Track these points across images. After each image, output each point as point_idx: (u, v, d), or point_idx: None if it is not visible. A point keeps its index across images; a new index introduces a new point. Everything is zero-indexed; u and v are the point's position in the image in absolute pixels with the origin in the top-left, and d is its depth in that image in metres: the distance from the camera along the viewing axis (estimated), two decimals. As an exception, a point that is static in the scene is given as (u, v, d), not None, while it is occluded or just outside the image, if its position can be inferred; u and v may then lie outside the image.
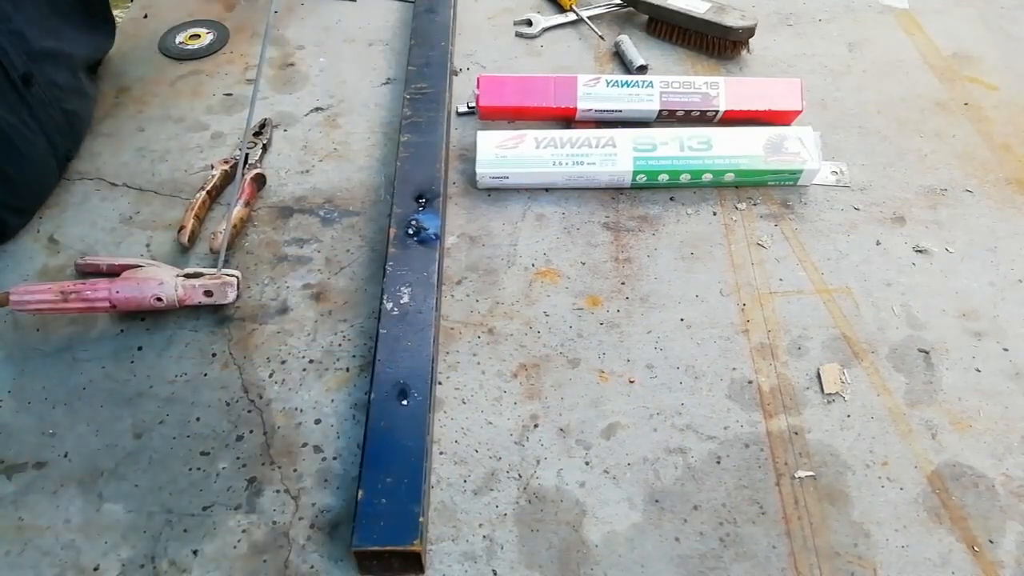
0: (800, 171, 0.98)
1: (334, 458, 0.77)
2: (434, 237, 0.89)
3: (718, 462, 0.76)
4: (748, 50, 1.18)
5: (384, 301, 0.83)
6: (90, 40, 1.09)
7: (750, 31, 1.15)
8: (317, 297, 0.89)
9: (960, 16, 1.27)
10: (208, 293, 0.85)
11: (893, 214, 0.98)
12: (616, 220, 0.97)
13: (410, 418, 0.74)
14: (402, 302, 0.83)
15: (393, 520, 0.67)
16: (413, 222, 0.90)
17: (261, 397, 0.81)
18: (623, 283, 0.91)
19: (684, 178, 0.98)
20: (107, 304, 0.82)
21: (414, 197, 0.93)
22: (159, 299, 0.83)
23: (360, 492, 0.69)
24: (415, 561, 0.67)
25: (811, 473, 0.75)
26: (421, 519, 0.67)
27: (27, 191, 0.95)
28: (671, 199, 0.99)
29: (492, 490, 0.74)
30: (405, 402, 0.75)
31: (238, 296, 0.87)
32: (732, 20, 1.14)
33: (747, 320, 0.87)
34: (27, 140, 0.91)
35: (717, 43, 1.17)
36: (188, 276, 0.85)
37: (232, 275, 0.86)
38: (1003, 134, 1.08)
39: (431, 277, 0.85)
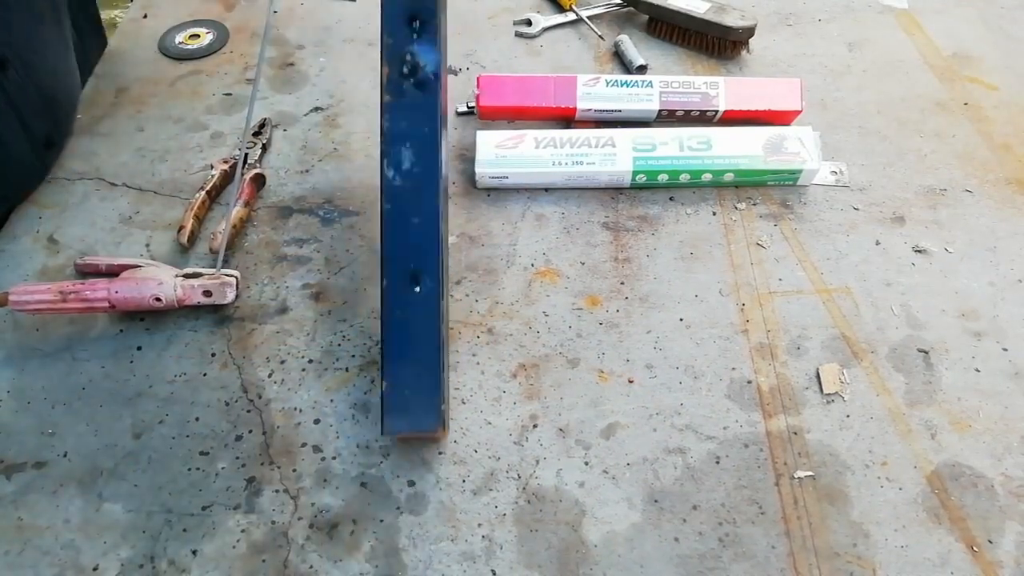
0: (800, 171, 0.98)
1: (333, 458, 0.77)
2: (433, 77, 0.74)
3: (717, 462, 0.76)
4: (748, 50, 1.18)
5: (385, 168, 0.74)
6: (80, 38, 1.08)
7: (750, 31, 1.15)
8: (317, 297, 0.89)
9: (960, 16, 1.27)
10: (207, 293, 0.85)
11: (893, 214, 0.98)
12: (616, 220, 0.97)
13: (424, 305, 0.72)
14: (404, 168, 0.73)
15: (417, 408, 0.72)
16: (408, 57, 0.74)
17: (260, 397, 0.81)
18: (622, 283, 0.91)
19: (684, 178, 0.98)
20: (106, 304, 0.82)
21: (406, 20, 0.75)
22: (158, 299, 0.83)
23: (384, 384, 0.72)
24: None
25: (810, 473, 0.75)
26: (443, 407, 0.72)
27: (2, 176, 0.95)
28: (671, 199, 0.99)
29: (491, 490, 0.74)
30: (418, 289, 0.72)
31: (237, 296, 0.87)
32: (732, 20, 1.14)
33: (746, 320, 0.87)
34: None
35: (717, 43, 1.17)
36: (187, 276, 0.85)
37: (231, 275, 0.86)
38: (1003, 134, 1.08)
39: (434, 133, 0.74)
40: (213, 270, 0.86)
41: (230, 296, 0.85)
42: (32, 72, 0.95)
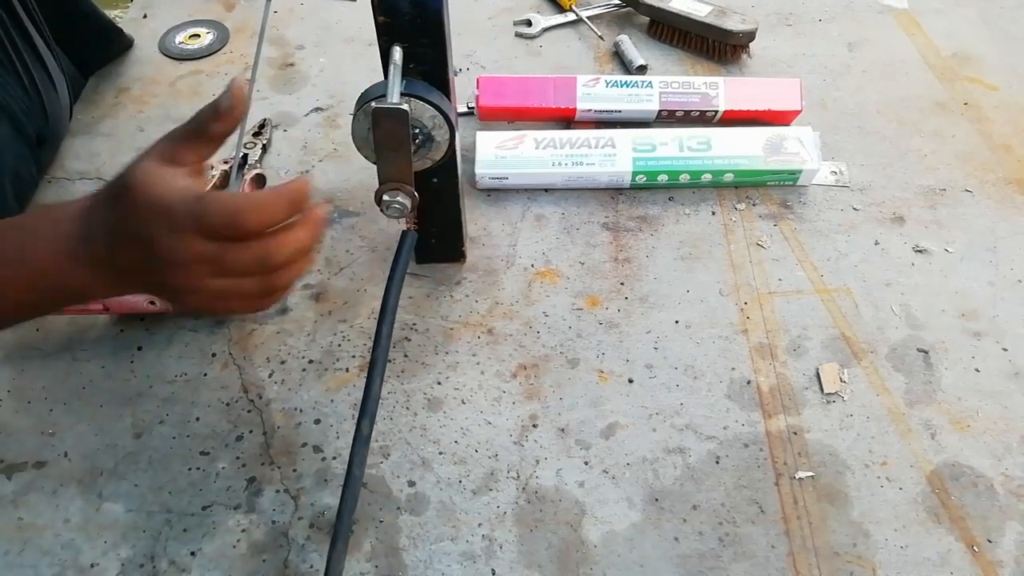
0: (799, 171, 0.98)
1: (334, 458, 0.77)
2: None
3: (717, 462, 0.76)
4: (749, 54, 1.18)
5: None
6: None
7: (751, 35, 1.14)
8: (317, 297, 0.89)
9: (960, 16, 1.27)
10: (208, 293, 0.85)
11: (893, 214, 0.98)
12: (615, 220, 0.97)
13: (446, 196, 0.83)
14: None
15: (442, 247, 0.90)
16: None
17: (261, 397, 0.81)
18: (622, 283, 0.91)
19: (683, 178, 0.98)
20: (100, 307, 0.82)
21: None
22: (152, 302, 0.83)
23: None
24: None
25: (810, 473, 0.75)
26: (462, 248, 0.91)
27: None
28: (670, 199, 0.99)
29: (491, 490, 0.74)
30: (435, 180, 0.80)
31: (238, 296, 0.87)
32: (733, 24, 1.14)
33: (747, 319, 0.87)
34: None
35: (718, 47, 1.17)
36: (188, 276, 0.85)
37: (232, 275, 0.86)
38: (1003, 134, 1.08)
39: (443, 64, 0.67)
40: (213, 270, 0.86)
41: (230, 296, 0.85)
42: None
